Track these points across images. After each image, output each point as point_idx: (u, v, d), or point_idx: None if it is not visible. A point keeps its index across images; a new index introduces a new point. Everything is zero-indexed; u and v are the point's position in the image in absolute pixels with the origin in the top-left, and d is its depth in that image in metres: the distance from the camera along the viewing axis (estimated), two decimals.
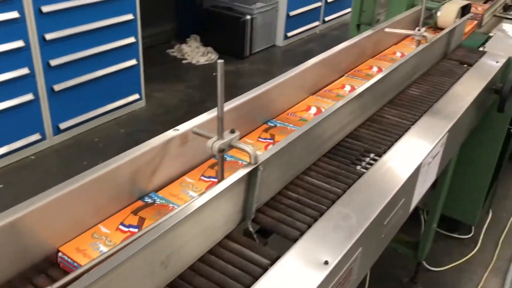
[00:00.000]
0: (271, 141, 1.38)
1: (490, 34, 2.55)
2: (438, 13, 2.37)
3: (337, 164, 1.34)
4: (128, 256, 0.78)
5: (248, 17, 4.98)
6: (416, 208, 2.43)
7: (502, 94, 2.02)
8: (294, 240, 1.05)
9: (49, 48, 3.18)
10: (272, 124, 1.48)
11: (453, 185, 2.60)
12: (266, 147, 1.36)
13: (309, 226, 1.10)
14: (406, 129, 1.55)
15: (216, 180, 1.17)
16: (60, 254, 0.97)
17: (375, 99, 1.62)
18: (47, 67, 3.21)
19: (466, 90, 1.86)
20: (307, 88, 1.67)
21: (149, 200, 1.12)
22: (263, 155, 1.08)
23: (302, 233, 1.07)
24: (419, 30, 1.83)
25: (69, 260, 0.95)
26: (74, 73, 3.41)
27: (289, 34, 5.58)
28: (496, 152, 2.46)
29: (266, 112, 1.48)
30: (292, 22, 5.54)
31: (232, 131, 1.04)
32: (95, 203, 1.02)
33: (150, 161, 1.09)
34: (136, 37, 3.74)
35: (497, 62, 2.16)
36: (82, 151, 3.44)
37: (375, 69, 1.88)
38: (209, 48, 5.13)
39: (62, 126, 3.46)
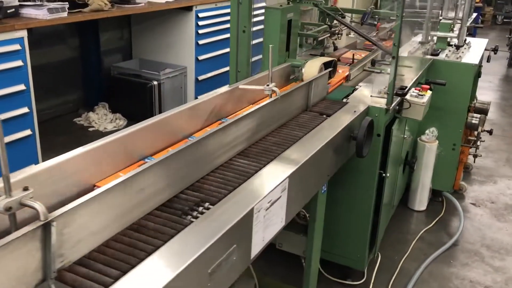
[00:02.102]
0: None
1: (356, 87, 2.75)
2: (303, 70, 2.53)
3: (167, 216, 1.35)
4: None
5: (155, 82, 5.08)
6: (298, 257, 2.47)
7: (357, 140, 2.15)
8: None
9: None
10: None
11: (337, 231, 2.68)
12: None
13: (116, 279, 1.08)
14: (248, 177, 1.60)
15: None
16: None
17: (222, 150, 1.67)
18: None
19: (317, 139, 1.97)
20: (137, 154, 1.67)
21: None
22: (61, 209, 1.07)
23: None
24: (267, 85, 1.94)
25: None
26: None
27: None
28: (371, 196, 2.58)
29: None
30: (202, 85, 5.69)
31: (25, 189, 1.04)
32: None
33: None
34: (30, 107, 3.68)
35: (354, 111, 2.32)
36: None
37: None
38: (118, 115, 5.13)
39: None
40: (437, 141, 3.51)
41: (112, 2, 4.41)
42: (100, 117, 5.10)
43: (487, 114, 4.11)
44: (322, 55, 3.21)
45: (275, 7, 2.63)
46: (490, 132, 4.03)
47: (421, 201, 3.65)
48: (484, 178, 4.25)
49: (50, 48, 4.91)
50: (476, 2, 8.46)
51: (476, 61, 3.40)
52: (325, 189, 2.15)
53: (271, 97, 1.98)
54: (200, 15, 5.33)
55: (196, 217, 1.36)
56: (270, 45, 1.93)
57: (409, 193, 3.67)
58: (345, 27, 3.26)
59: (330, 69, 2.51)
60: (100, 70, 5.37)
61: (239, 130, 1.75)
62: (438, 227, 3.48)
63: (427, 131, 3.51)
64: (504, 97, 7.03)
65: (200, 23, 5.39)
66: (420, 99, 2.56)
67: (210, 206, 1.42)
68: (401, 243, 3.27)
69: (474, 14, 5.63)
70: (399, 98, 2.51)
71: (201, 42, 5.48)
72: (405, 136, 3.09)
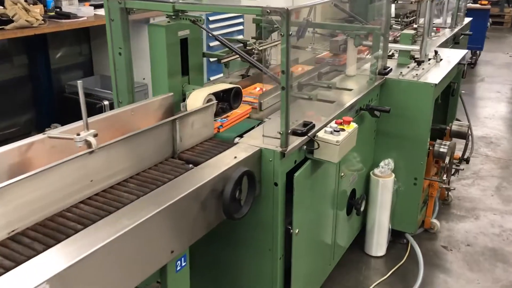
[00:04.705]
0: None
1: (265, 119, 2.23)
2: (186, 101, 2.04)
3: None
4: None
5: (106, 102, 4.66)
6: None
7: (223, 199, 1.64)
8: None
9: None
10: None
11: None
12: None
13: None
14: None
15: None
16: None
17: None
18: None
19: (152, 203, 1.47)
20: None
21: None
22: None
23: None
24: (78, 134, 1.45)
25: None
26: None
27: None
28: (276, 257, 2.05)
29: None
30: None
31: None
32: None
33: None
34: None
35: (235, 157, 1.81)
36: None
37: None
38: None
39: None
40: (393, 175, 2.94)
41: (49, 17, 4.04)
42: None
43: (466, 138, 3.51)
44: (244, 76, 2.72)
45: (159, 24, 2.15)
46: (467, 160, 3.43)
47: (378, 244, 3.08)
48: (465, 212, 3.63)
49: None
50: (483, 4, 7.77)
51: (437, 81, 2.81)
52: (184, 264, 1.64)
53: (90, 147, 1.49)
54: None
55: None
56: (79, 81, 1.45)
57: (365, 236, 3.11)
58: (271, 43, 2.76)
59: (214, 101, 2.00)
60: (52, 89, 4.99)
61: (14, 200, 1.28)
62: (394, 279, 2.90)
63: (381, 163, 2.94)
64: None
65: None
66: (334, 136, 2.02)
67: None
68: None
69: (467, 19, 4.99)
70: (305, 136, 1.99)
71: None
72: (343, 174, 2.55)
